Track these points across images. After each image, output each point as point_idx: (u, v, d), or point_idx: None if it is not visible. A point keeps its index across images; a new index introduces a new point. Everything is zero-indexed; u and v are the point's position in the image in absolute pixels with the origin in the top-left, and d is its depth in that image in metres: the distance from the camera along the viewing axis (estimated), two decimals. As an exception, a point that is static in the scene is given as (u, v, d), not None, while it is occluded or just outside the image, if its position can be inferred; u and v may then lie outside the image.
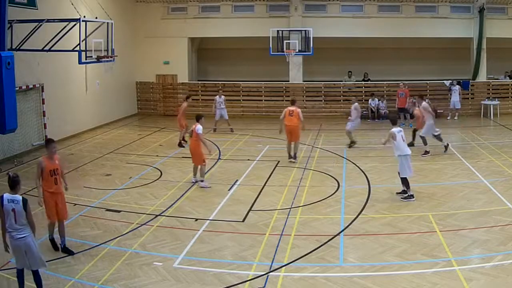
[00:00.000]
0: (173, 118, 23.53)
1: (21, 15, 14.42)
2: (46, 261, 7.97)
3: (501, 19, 22.92)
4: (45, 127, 17.02)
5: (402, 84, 21.16)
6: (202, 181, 12.31)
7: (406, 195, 10.94)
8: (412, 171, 11.12)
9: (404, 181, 10.99)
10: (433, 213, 10.00)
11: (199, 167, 12.47)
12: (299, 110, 14.77)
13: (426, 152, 15.14)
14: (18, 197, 6.65)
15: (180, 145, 17.01)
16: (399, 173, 11.08)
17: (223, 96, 19.78)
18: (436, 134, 15.49)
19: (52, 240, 8.68)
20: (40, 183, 8.50)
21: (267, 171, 13.59)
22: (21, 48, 13.99)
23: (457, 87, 22.19)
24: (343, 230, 9.31)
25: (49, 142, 8.75)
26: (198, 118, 12.65)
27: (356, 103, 17.19)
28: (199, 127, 12.34)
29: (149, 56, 24.31)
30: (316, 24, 22.54)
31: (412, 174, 11.13)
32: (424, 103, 15.79)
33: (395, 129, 10.99)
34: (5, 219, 6.67)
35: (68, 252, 8.47)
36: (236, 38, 23.95)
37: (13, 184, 6.74)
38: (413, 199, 10.83)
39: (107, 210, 10.62)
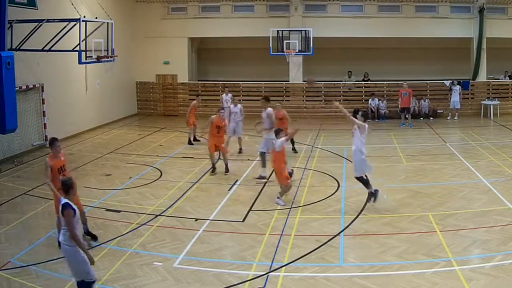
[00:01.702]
0: (173, 118, 23.63)
1: (21, 15, 14.41)
2: (47, 261, 8.03)
3: (501, 19, 22.93)
4: (45, 127, 17.02)
5: (405, 83, 21.15)
6: (278, 197, 10.86)
7: (374, 195, 10.24)
8: (371, 168, 10.40)
9: (362, 180, 10.27)
10: (433, 213, 10.00)
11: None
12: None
13: (262, 177, 12.53)
14: (63, 201, 6.52)
15: (190, 142, 17.21)
16: (356, 173, 10.31)
17: (230, 94, 19.70)
18: (263, 151, 12.74)
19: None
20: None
21: (267, 171, 13.56)
22: (21, 48, 13.99)
23: (458, 87, 22.20)
24: (343, 230, 9.31)
25: (53, 140, 8.92)
26: (277, 132, 11.06)
27: (239, 105, 16.20)
28: (278, 143, 10.78)
29: (149, 56, 24.31)
30: (316, 24, 22.54)
31: (371, 170, 10.39)
32: (269, 109, 12.91)
33: (366, 125, 10.24)
34: None
35: (92, 236, 8.96)
36: (236, 38, 23.95)
37: (64, 189, 6.64)
38: (382, 195, 10.26)
39: (107, 210, 10.61)
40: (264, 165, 12.69)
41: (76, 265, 6.47)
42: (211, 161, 13.41)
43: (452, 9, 23.14)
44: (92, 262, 6.52)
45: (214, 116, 13.50)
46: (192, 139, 17.47)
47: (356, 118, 10.17)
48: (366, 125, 10.29)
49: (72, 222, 6.39)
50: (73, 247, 6.40)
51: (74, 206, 6.52)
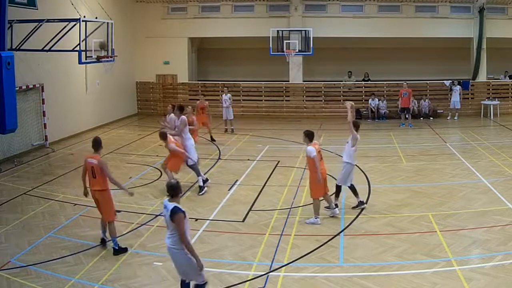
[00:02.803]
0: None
1: (21, 15, 14.41)
2: (47, 261, 8.03)
3: (501, 19, 22.94)
4: (45, 127, 17.02)
5: (405, 83, 21.17)
6: (317, 217, 9.80)
7: (358, 203, 10.37)
8: (351, 182, 10.43)
9: (353, 189, 10.37)
10: (433, 213, 10.00)
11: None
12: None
13: (202, 188, 11.76)
14: (170, 205, 6.21)
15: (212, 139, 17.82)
16: (337, 181, 10.40)
17: (229, 94, 19.69)
18: (191, 164, 11.86)
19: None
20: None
21: (267, 171, 13.59)
22: (21, 48, 13.99)
23: (458, 87, 22.21)
24: (343, 230, 9.31)
25: (101, 142, 8.85)
26: (313, 136, 9.76)
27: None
28: (310, 149, 9.54)
29: (149, 56, 24.31)
30: (316, 24, 22.54)
31: (349, 184, 10.39)
32: (182, 117, 11.98)
33: (359, 136, 10.29)
34: None
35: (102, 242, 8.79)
36: (236, 38, 23.96)
37: (172, 192, 6.31)
38: (365, 205, 10.41)
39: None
40: (198, 173, 11.94)
41: (187, 267, 6.23)
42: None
43: (452, 9, 23.15)
44: (201, 268, 6.18)
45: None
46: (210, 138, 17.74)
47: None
48: (358, 137, 10.31)
49: (183, 226, 6.10)
50: (182, 250, 6.16)
51: (184, 209, 6.21)
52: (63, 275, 7.60)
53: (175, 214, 6.08)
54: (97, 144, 8.79)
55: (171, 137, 11.76)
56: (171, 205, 6.20)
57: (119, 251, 8.37)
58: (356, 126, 10.28)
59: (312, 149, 9.49)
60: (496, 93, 23.23)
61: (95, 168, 8.46)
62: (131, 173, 13.68)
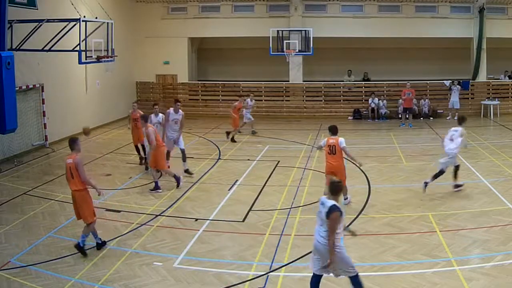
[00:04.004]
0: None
1: (21, 15, 14.41)
2: (47, 261, 8.02)
3: (501, 19, 22.94)
4: (45, 127, 17.03)
5: (408, 83, 21.16)
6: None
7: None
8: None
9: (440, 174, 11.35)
10: (433, 213, 10.00)
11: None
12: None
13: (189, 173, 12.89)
14: (329, 203, 6.21)
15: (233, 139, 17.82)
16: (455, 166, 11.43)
17: (254, 100, 19.77)
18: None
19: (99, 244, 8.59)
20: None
21: (267, 171, 13.58)
22: (21, 48, 13.99)
23: (458, 87, 22.21)
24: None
25: (75, 141, 8.62)
26: (334, 130, 10.49)
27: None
28: (342, 140, 10.30)
29: (149, 56, 24.31)
30: (316, 24, 22.53)
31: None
32: (180, 111, 13.64)
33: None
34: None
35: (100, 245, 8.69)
36: (236, 38, 23.96)
37: (332, 190, 6.36)
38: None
39: (107, 210, 10.60)
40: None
41: (340, 264, 6.28)
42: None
43: (452, 9, 23.15)
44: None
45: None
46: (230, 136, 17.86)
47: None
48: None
49: (336, 225, 6.13)
50: (340, 248, 6.24)
51: (342, 209, 6.24)
52: (63, 275, 7.60)
53: (333, 212, 6.10)
54: (72, 143, 8.58)
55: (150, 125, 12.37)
56: (330, 202, 6.21)
57: (81, 249, 8.24)
58: (460, 121, 11.75)
59: (322, 140, 10.64)
60: (496, 93, 23.23)
61: (72, 167, 8.33)
62: (131, 173, 13.68)
